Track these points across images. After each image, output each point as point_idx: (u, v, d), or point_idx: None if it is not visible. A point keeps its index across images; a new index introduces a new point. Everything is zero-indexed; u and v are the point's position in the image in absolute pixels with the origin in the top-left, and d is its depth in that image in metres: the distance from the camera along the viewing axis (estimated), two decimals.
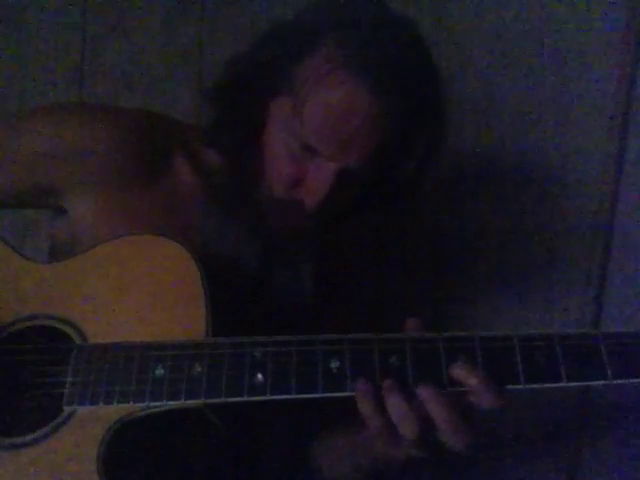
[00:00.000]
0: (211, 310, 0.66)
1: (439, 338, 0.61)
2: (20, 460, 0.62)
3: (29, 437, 0.63)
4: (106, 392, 0.63)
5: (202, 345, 0.63)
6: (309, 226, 0.76)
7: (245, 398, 0.61)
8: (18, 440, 0.63)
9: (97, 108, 0.81)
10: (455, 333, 0.61)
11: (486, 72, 1.13)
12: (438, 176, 0.90)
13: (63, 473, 0.61)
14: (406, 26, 0.72)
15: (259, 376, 0.61)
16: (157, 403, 0.62)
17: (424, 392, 0.58)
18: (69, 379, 0.64)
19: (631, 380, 0.58)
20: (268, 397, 0.60)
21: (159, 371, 0.63)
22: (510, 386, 0.59)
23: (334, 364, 0.61)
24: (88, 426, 0.62)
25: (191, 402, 0.61)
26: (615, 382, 0.58)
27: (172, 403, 0.61)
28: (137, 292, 0.68)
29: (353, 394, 0.60)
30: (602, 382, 0.58)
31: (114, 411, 0.62)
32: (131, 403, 0.62)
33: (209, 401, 0.61)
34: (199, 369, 0.62)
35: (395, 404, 0.58)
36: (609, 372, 0.58)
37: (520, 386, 0.59)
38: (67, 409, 0.63)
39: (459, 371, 0.59)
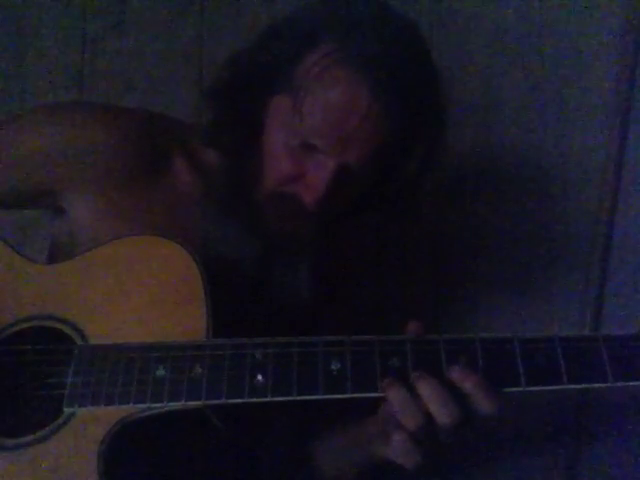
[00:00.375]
0: (211, 310, 0.66)
1: (440, 340, 0.61)
2: (21, 461, 0.62)
3: (30, 438, 0.63)
4: (107, 393, 0.63)
5: (203, 346, 0.63)
6: (309, 226, 0.76)
7: (246, 399, 0.61)
8: (19, 441, 0.63)
9: (97, 108, 0.81)
10: (456, 335, 0.61)
11: (486, 72, 1.13)
12: (438, 176, 0.90)
13: (64, 474, 0.61)
14: (406, 25, 0.72)
15: (260, 377, 0.61)
16: (158, 404, 0.62)
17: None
18: (70, 380, 0.64)
19: (632, 383, 0.58)
20: (269, 399, 0.60)
21: (160, 372, 0.63)
22: (511, 388, 0.59)
23: (335, 365, 0.61)
24: (89, 427, 0.62)
25: (192, 403, 0.61)
26: (616, 385, 0.58)
27: (173, 404, 0.61)
28: (137, 293, 0.68)
29: (353, 395, 0.60)
30: (603, 385, 0.58)
31: (115, 412, 0.62)
32: (132, 404, 0.62)
33: (210, 402, 0.61)
34: (200, 370, 0.62)
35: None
36: (610, 375, 0.58)
37: (521, 388, 0.59)
38: (68, 410, 0.63)
39: (455, 374, 0.60)
